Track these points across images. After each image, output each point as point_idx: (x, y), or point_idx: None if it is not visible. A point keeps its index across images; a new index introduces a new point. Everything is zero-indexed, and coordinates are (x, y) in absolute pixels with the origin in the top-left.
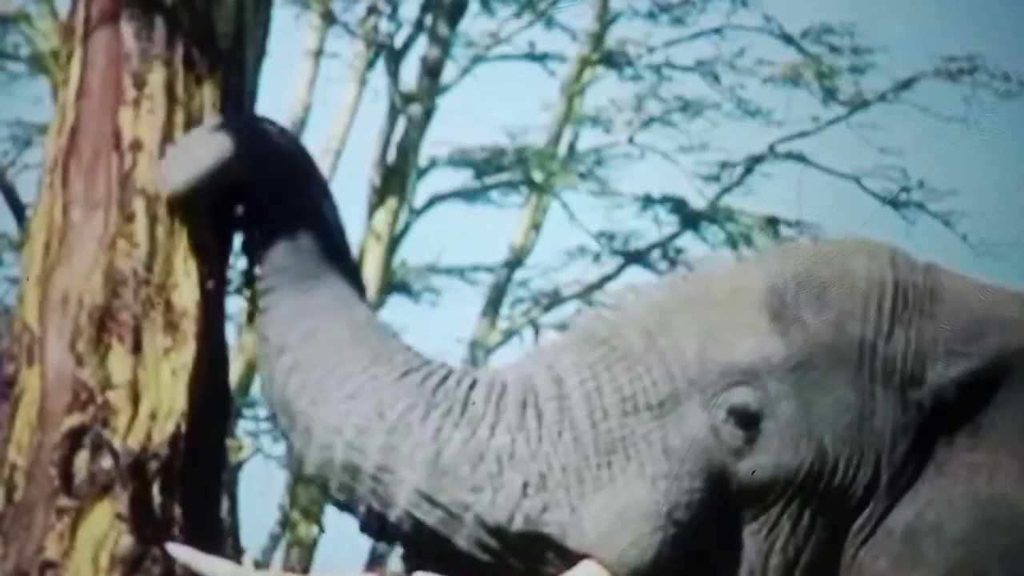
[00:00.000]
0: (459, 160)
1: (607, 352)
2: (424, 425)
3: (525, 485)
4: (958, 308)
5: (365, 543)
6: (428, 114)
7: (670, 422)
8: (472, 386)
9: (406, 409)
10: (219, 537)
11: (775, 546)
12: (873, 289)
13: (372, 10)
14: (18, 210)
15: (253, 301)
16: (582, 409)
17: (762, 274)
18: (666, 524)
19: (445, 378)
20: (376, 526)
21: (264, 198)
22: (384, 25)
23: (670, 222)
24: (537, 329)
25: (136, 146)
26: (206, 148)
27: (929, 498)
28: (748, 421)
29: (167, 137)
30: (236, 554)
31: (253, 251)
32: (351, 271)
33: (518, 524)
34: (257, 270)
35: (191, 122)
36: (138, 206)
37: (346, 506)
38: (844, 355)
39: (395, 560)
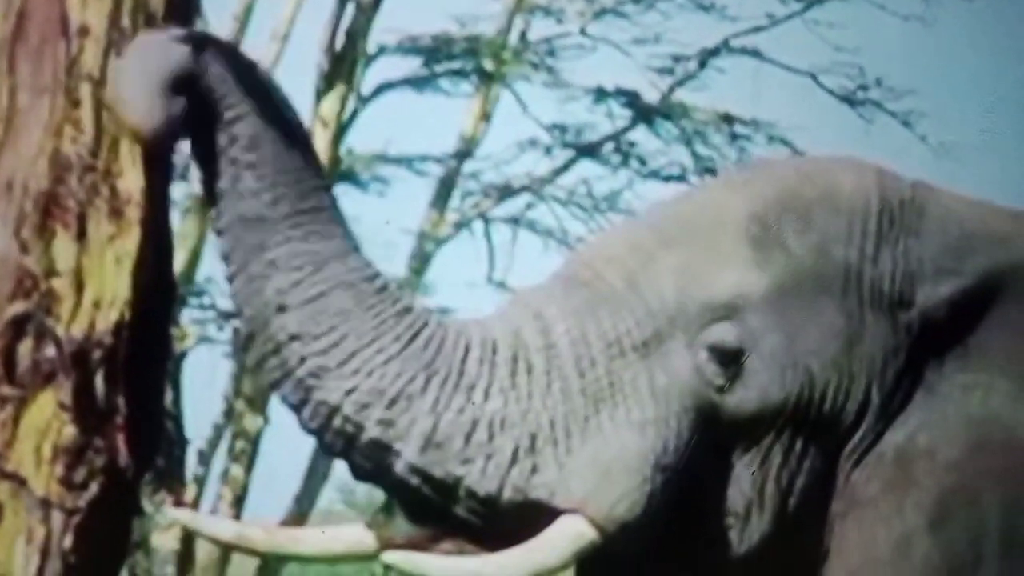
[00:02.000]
0: (408, 48)
1: (590, 296)
2: (423, 398)
3: (515, 451)
4: (946, 225)
5: (310, 437)
6: (377, 0)
7: (656, 363)
8: (468, 348)
9: (406, 382)
10: (162, 427)
11: (769, 476)
12: (858, 209)
13: None
14: None
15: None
16: (570, 357)
17: (745, 199)
18: (655, 473)
19: (443, 341)
20: (369, 478)
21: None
22: None
23: (623, 116)
24: (487, 222)
25: (83, 32)
26: (153, 76)
27: (921, 420)
28: (730, 357)
29: (114, 23)
30: (180, 445)
31: (212, 164)
32: (330, 194)
33: (507, 494)
34: (228, 185)
35: (138, 6)
36: (84, 92)
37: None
38: (829, 279)
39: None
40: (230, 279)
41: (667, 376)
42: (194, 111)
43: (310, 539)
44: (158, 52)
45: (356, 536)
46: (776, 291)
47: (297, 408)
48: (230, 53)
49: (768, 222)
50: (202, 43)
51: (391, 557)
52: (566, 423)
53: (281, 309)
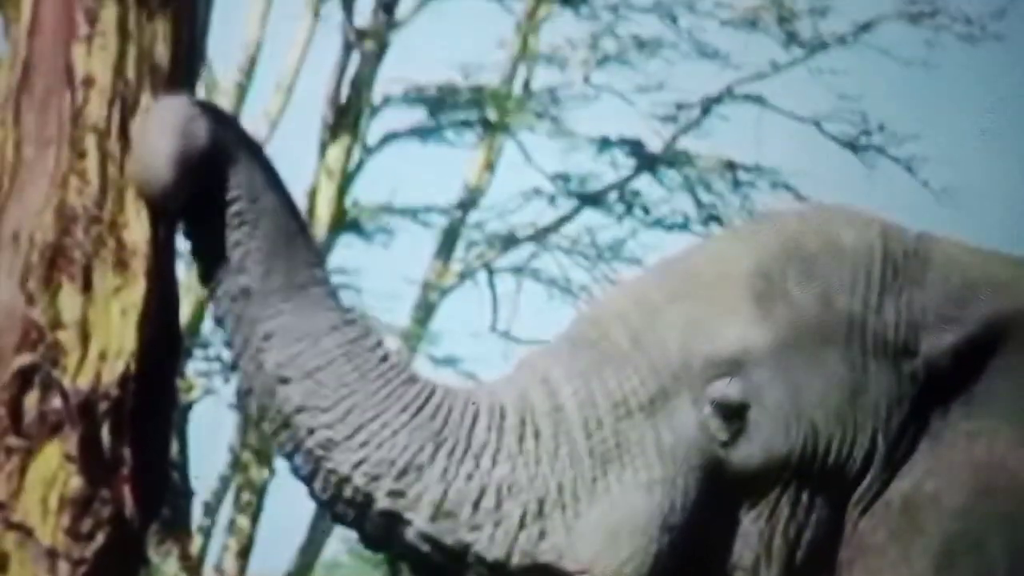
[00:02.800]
0: (413, 98)
1: (596, 356)
2: (432, 467)
3: (523, 517)
4: (949, 274)
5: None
6: (382, 50)
7: (661, 421)
8: (476, 416)
9: (415, 453)
10: (168, 478)
11: (776, 530)
12: (861, 259)
13: None
14: None
15: (211, 293)
16: (577, 420)
17: (749, 251)
18: (662, 533)
19: (451, 410)
20: (380, 546)
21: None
22: None
23: (627, 165)
24: (491, 272)
25: (88, 82)
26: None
27: (927, 468)
28: (734, 412)
29: (119, 73)
30: (186, 496)
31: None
32: (323, 269)
33: (516, 559)
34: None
35: (143, 57)
36: (90, 143)
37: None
38: (833, 330)
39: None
40: (230, 347)
41: (673, 434)
42: (198, 184)
43: None
44: (181, 124)
45: None
46: (779, 344)
47: (308, 479)
48: (230, 124)
49: (772, 274)
50: (210, 114)
51: None
52: (574, 486)
53: (283, 381)
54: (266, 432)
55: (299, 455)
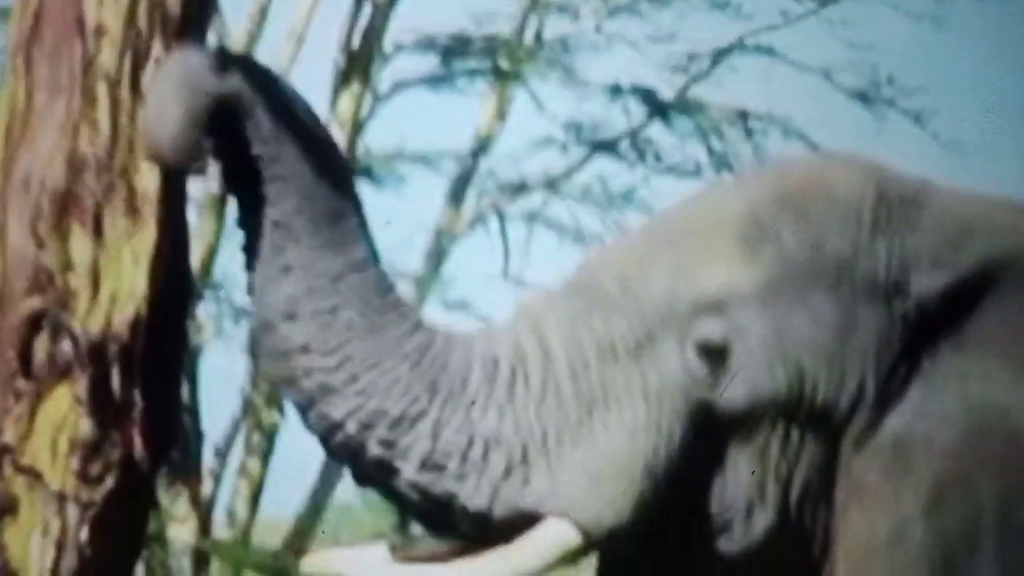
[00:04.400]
0: (425, 46)
1: (586, 301)
2: (424, 420)
3: (508, 466)
4: (944, 217)
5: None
6: None
7: (648, 365)
8: (470, 366)
9: (409, 403)
10: (178, 421)
11: (768, 471)
12: (853, 202)
13: None
14: None
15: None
16: (565, 366)
17: (743, 198)
18: (645, 477)
19: (448, 360)
20: (371, 486)
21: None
22: None
23: (639, 112)
24: (503, 218)
25: (100, 32)
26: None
27: (919, 408)
28: (717, 353)
29: (131, 22)
30: (196, 439)
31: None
32: (357, 203)
33: (498, 508)
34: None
35: (154, 6)
36: (101, 91)
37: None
38: (822, 272)
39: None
40: (248, 270)
41: (659, 377)
42: (222, 126)
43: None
44: (189, 78)
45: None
46: (765, 286)
47: (301, 410)
48: (254, 69)
49: (764, 219)
50: (227, 62)
51: (337, 565)
52: (559, 432)
53: (290, 317)
54: (259, 361)
55: (293, 390)
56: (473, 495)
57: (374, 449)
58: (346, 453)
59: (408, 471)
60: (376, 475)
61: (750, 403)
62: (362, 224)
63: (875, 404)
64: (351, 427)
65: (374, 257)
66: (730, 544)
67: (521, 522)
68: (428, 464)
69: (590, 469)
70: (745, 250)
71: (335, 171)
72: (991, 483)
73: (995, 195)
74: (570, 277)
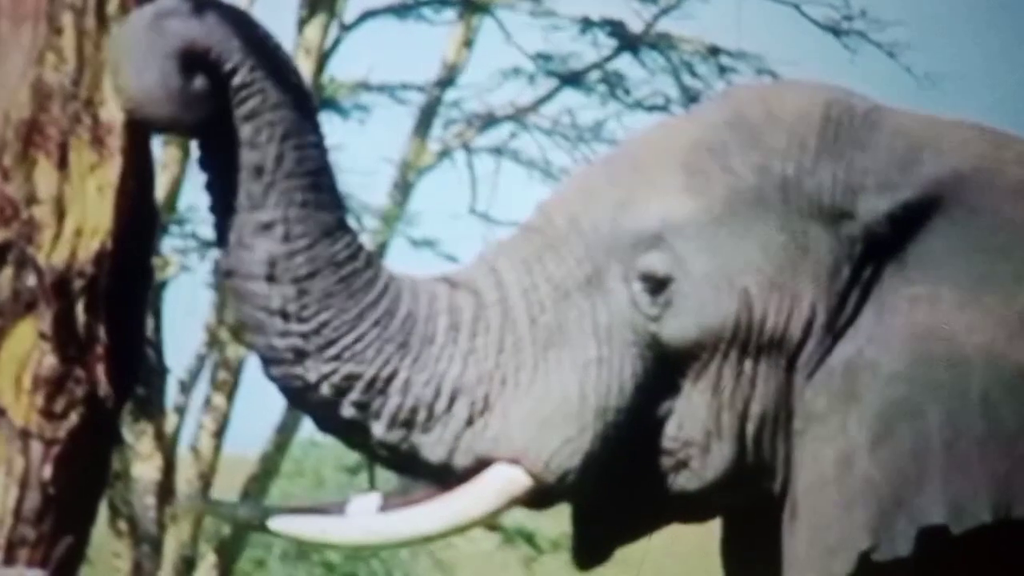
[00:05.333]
0: None
1: (538, 242)
2: (395, 380)
3: (470, 415)
4: (895, 139)
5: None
6: None
7: (598, 300)
8: (437, 318)
9: (380, 366)
10: (142, 356)
11: (723, 402)
12: (799, 125)
13: None
14: None
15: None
16: (521, 308)
17: (692, 128)
18: (597, 417)
19: (416, 317)
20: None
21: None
22: None
23: (608, 45)
24: (470, 151)
25: None
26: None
27: (868, 334)
28: (659, 285)
29: None
30: (161, 375)
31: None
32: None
33: (458, 458)
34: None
35: None
36: (66, 20)
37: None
38: (768, 197)
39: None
40: (216, 214)
41: (608, 313)
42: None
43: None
44: (162, 32)
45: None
46: (707, 215)
47: (266, 362)
48: (227, 14)
49: (713, 147)
50: (200, 8)
51: (289, 527)
52: (516, 375)
53: (270, 279)
54: (233, 313)
55: (264, 349)
56: (435, 447)
57: (347, 411)
58: (318, 412)
59: (378, 430)
60: (346, 432)
61: (698, 335)
62: (333, 181)
63: (826, 330)
64: (325, 390)
65: (344, 216)
66: (690, 480)
67: (481, 469)
68: (397, 421)
69: (540, 412)
70: (690, 180)
71: (311, 123)
72: (937, 411)
73: (954, 117)
74: (524, 221)
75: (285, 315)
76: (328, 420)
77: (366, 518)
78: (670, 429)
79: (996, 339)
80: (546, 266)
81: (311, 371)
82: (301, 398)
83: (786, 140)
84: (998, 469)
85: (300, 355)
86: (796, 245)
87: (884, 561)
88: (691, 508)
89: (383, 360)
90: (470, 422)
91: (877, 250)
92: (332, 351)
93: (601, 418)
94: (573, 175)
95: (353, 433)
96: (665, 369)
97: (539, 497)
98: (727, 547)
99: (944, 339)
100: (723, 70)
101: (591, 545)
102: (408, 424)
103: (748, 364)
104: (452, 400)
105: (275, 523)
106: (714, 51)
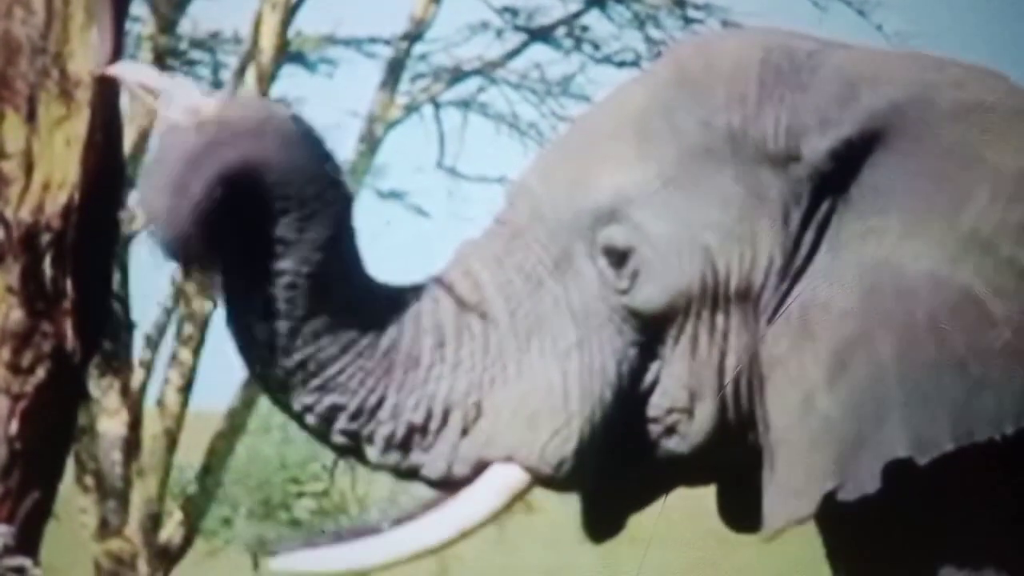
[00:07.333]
0: None
1: (505, 234)
2: (382, 408)
3: (465, 425)
4: (835, 77)
5: None
6: None
7: (569, 283)
8: (422, 336)
9: (367, 394)
10: (109, 311)
11: (701, 361)
12: (738, 73)
13: None
14: None
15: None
16: (500, 304)
17: (641, 89)
18: (584, 402)
19: (401, 341)
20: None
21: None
22: None
23: (576, 0)
24: (437, 105)
25: None
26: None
27: (822, 273)
28: (622, 257)
29: None
30: (128, 329)
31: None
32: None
33: (456, 468)
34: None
35: None
36: None
37: None
38: (715, 150)
39: None
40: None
41: (580, 294)
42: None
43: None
44: (196, 160)
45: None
46: (660, 179)
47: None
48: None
49: (661, 108)
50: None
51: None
52: (504, 372)
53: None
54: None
55: (259, 379)
56: (435, 462)
57: (337, 437)
58: (312, 434)
59: (374, 454)
60: (343, 454)
61: (668, 298)
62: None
63: (785, 273)
64: (310, 420)
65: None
66: (679, 444)
67: (480, 472)
68: (392, 445)
69: (528, 406)
70: (640, 146)
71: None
72: (889, 343)
73: (897, 49)
74: (494, 216)
75: (273, 348)
76: (325, 443)
77: (372, 539)
78: (655, 398)
79: (940, 264)
80: (515, 257)
81: (296, 402)
82: (297, 421)
83: (726, 92)
84: (954, 395)
85: (283, 387)
86: (750, 194)
87: (852, 500)
88: (686, 472)
89: (367, 390)
90: (465, 432)
91: (825, 189)
92: (315, 382)
93: (587, 403)
94: (533, 157)
95: (350, 455)
96: (644, 340)
97: (543, 486)
98: (722, 505)
99: (890, 271)
100: (688, 21)
101: (601, 519)
102: (404, 447)
103: (720, 319)
104: (445, 417)
105: (288, 561)
106: (680, 3)
